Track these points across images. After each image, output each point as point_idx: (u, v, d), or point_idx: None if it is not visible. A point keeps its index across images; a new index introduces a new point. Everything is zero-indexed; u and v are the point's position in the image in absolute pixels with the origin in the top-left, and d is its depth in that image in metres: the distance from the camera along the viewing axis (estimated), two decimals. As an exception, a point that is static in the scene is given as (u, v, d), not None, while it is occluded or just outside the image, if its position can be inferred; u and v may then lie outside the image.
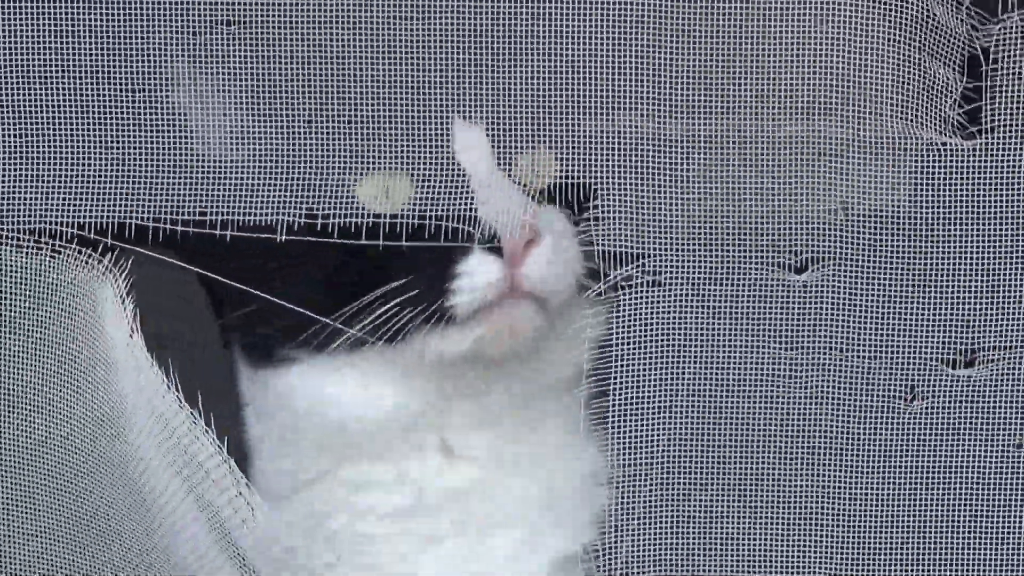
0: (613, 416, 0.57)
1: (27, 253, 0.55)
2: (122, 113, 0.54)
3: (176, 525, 0.58)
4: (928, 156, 0.58)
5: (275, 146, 0.55)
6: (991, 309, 0.59)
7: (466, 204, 0.57)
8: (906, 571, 0.59)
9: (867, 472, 0.60)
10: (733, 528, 0.59)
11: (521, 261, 0.59)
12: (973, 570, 0.59)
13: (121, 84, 0.54)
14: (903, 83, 0.58)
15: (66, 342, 0.56)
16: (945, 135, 0.58)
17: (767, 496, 0.60)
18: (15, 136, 0.54)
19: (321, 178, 0.56)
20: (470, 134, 0.57)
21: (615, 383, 0.58)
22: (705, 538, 0.60)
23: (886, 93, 0.58)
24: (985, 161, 0.57)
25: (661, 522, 0.59)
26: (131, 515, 0.57)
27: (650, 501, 0.59)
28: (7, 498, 0.55)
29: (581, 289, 0.60)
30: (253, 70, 0.54)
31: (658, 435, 0.59)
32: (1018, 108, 0.57)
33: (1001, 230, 0.58)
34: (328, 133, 0.55)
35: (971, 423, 0.60)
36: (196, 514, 0.58)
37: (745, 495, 0.60)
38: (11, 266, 0.55)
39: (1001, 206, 0.57)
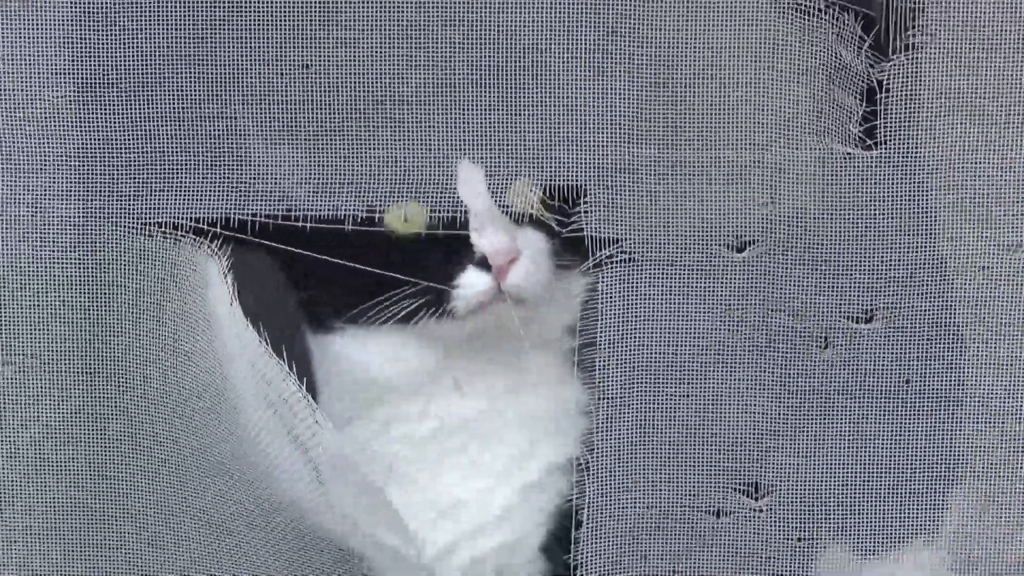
0: (600, 360, 0.71)
1: (156, 240, 0.69)
2: (226, 135, 0.69)
3: (267, 448, 0.72)
4: (836, 162, 0.71)
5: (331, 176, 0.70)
6: (883, 279, 0.72)
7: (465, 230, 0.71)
8: (815, 469, 0.74)
9: (791, 402, 0.73)
10: (689, 443, 0.73)
11: (505, 275, 0.72)
12: (868, 469, 0.74)
13: (223, 113, 0.69)
14: (819, 107, 0.71)
15: (183, 308, 0.70)
16: (849, 146, 0.70)
17: (715, 419, 0.73)
18: (148, 151, 0.68)
19: (359, 205, 0.70)
20: (471, 173, 0.70)
21: (601, 335, 0.71)
22: (669, 452, 0.73)
23: (806, 115, 0.71)
24: (879, 166, 0.71)
25: (636, 438, 0.72)
26: (233, 444, 0.73)
27: (628, 424, 0.72)
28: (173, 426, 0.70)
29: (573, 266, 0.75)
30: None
31: (634, 373, 0.72)
32: (903, 126, 0.70)
33: (890, 219, 0.71)
34: (363, 169, 0.70)
35: (870, 365, 0.73)
36: (283, 438, 0.72)
37: (698, 420, 0.73)
38: (143, 251, 0.69)
39: (890, 200, 0.71)
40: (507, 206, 0.72)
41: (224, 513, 0.72)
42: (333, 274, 0.73)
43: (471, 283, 0.72)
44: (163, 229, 0.69)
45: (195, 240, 0.69)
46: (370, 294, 0.73)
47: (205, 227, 0.69)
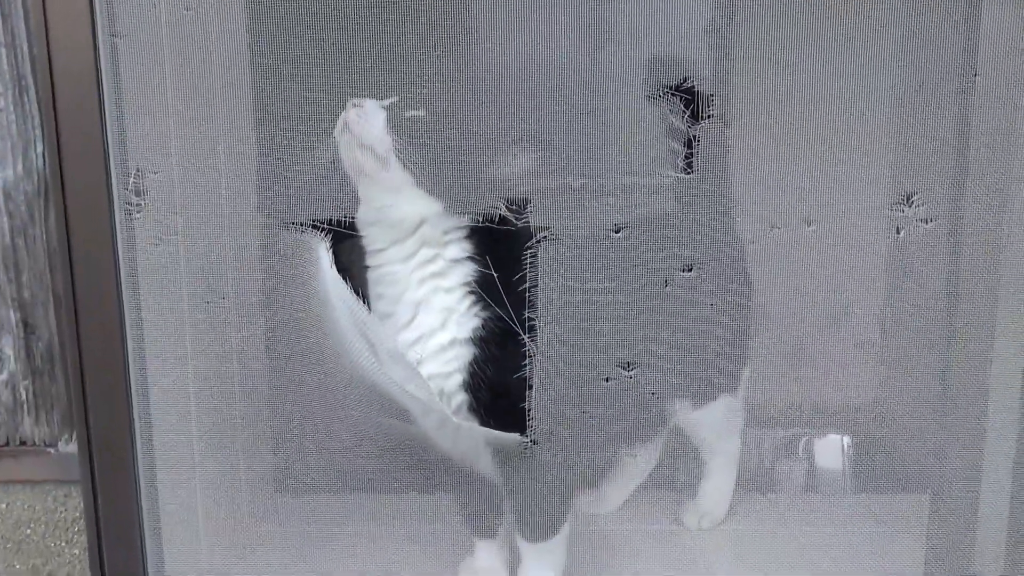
0: (541, 293, 1.11)
1: (293, 230, 1.14)
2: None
3: (352, 342, 1.16)
4: (675, 181, 1.15)
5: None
6: (697, 248, 1.14)
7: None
8: (663, 354, 1.17)
9: (649, 316, 1.14)
10: (592, 339, 1.13)
11: (347, 116, 1.08)
12: (693, 352, 1.19)
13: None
14: (663, 151, 1.14)
15: (309, 267, 1.16)
16: (678, 173, 1.14)
17: (606, 325, 1.14)
18: (290, 189, 1.16)
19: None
20: (374, 105, 1.10)
21: (540, 280, 1.10)
22: (580, 344, 1.12)
23: (656, 155, 1.15)
24: (696, 184, 1.14)
25: (562, 336, 1.10)
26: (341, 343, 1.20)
27: (557, 328, 1.09)
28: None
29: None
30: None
31: (560, 299, 1.09)
32: (708, 161, 1.13)
33: (701, 214, 1.15)
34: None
35: (691, 294, 1.16)
36: (359, 336, 1.13)
37: (597, 326, 1.14)
38: (288, 236, 1.15)
39: (700, 203, 1.15)
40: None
41: (339, 379, 1.22)
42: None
43: (339, 123, 1.10)
44: (297, 225, 1.13)
45: (312, 232, 1.12)
46: None
47: (316, 224, 1.14)
